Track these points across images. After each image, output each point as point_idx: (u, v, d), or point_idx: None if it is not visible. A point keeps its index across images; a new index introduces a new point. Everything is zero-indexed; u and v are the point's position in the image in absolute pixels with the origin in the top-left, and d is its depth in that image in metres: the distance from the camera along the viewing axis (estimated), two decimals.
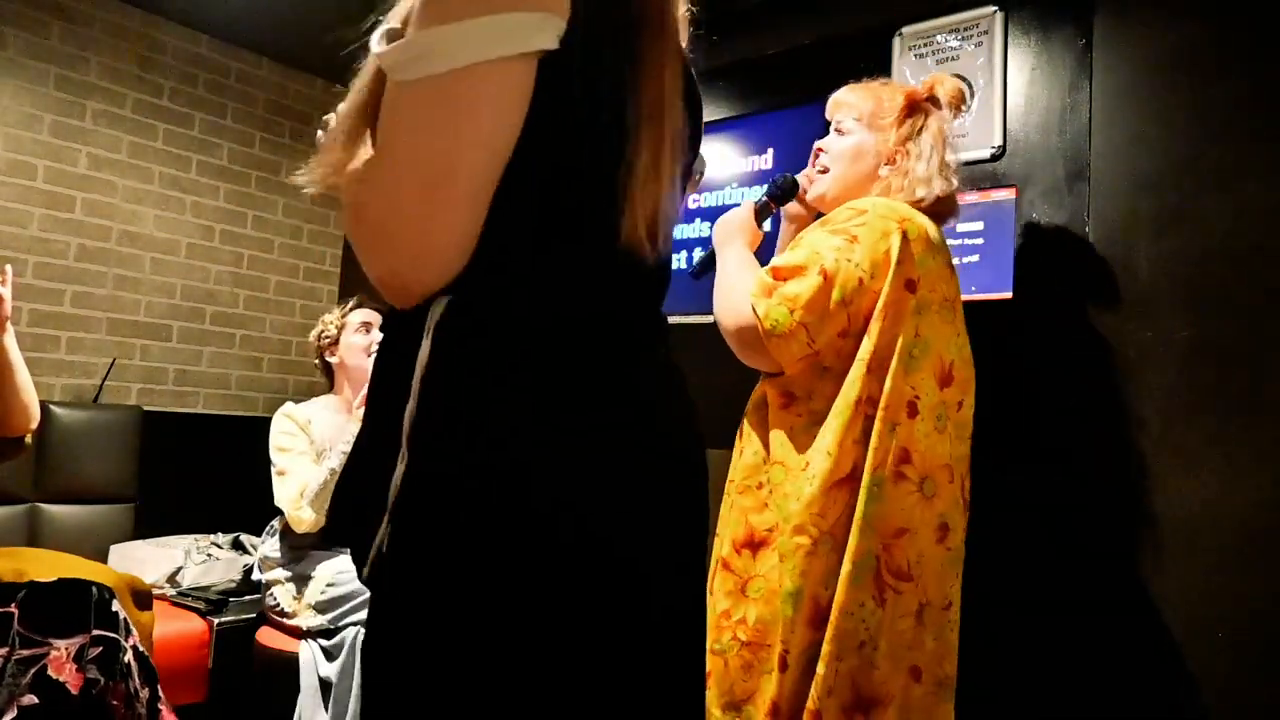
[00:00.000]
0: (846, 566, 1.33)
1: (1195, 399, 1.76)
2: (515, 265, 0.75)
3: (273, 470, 2.33)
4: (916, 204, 1.53)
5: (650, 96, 0.76)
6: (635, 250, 0.77)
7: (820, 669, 1.31)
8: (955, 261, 2.09)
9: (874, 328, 1.38)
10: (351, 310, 2.55)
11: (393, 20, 0.75)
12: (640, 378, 0.80)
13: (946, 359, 1.45)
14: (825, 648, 1.31)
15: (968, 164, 2.13)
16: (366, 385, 2.28)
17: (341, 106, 0.79)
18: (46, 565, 1.69)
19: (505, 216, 0.73)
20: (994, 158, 2.09)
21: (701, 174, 1.05)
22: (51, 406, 2.60)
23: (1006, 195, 2.05)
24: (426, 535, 0.71)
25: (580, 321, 0.76)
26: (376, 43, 0.73)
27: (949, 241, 2.09)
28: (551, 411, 0.72)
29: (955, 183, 1.57)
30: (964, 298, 2.05)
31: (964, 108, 1.67)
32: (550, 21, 0.70)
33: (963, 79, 2.16)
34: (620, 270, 0.79)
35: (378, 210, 0.71)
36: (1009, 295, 2.01)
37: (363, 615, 2.13)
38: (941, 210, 1.58)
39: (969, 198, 2.10)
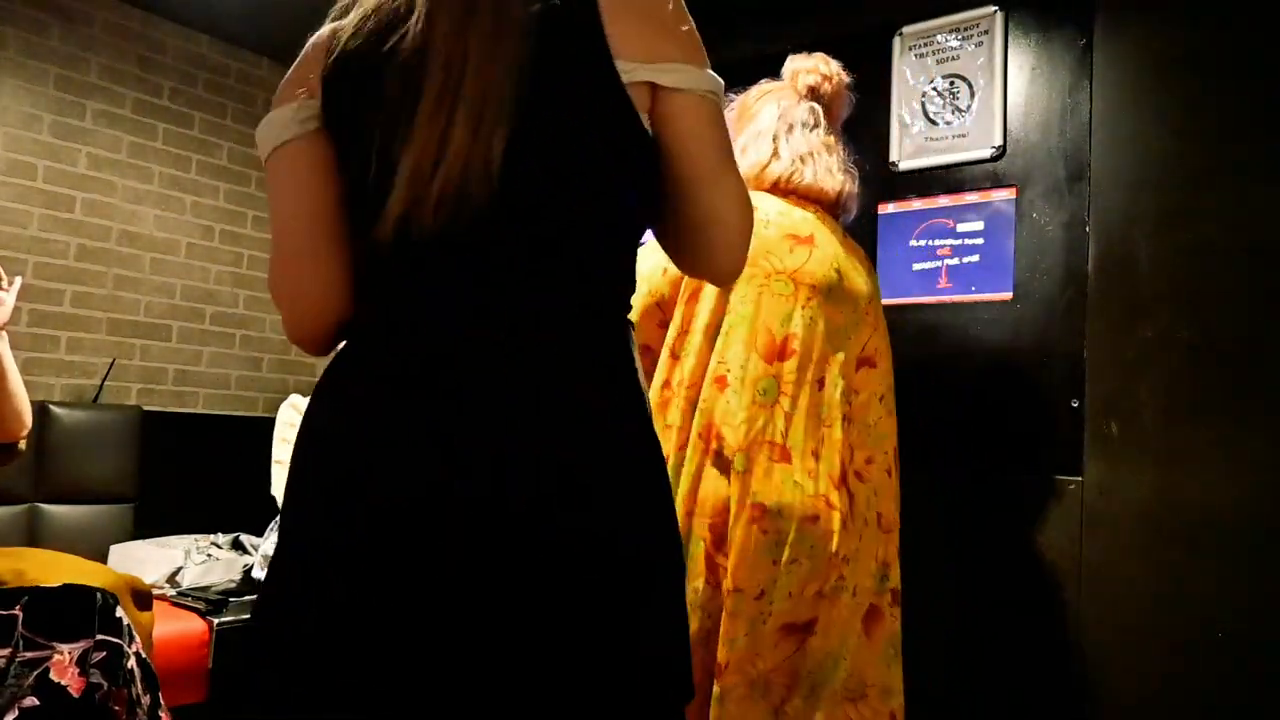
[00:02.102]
0: None
1: (1195, 399, 1.76)
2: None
3: (272, 459, 2.34)
4: (768, 184, 1.50)
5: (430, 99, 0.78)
6: (402, 232, 0.78)
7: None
8: (955, 262, 2.11)
9: (676, 312, 1.41)
10: None
11: None
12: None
13: (777, 333, 1.40)
14: None
15: (968, 164, 2.13)
16: None
17: None
18: (45, 565, 1.69)
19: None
20: (994, 158, 2.09)
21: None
22: (51, 406, 2.60)
23: (1006, 195, 2.05)
24: None
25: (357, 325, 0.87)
26: None
27: (949, 241, 2.11)
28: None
29: (795, 162, 1.51)
30: (964, 298, 2.06)
31: (829, 82, 1.61)
32: (303, 107, 0.86)
33: (963, 79, 2.16)
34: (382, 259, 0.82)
35: (272, 267, 0.92)
36: (1009, 295, 2.01)
37: None
38: (817, 197, 1.53)
39: (969, 198, 2.10)
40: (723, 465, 1.34)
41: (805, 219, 1.49)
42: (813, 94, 1.59)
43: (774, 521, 1.33)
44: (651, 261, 1.40)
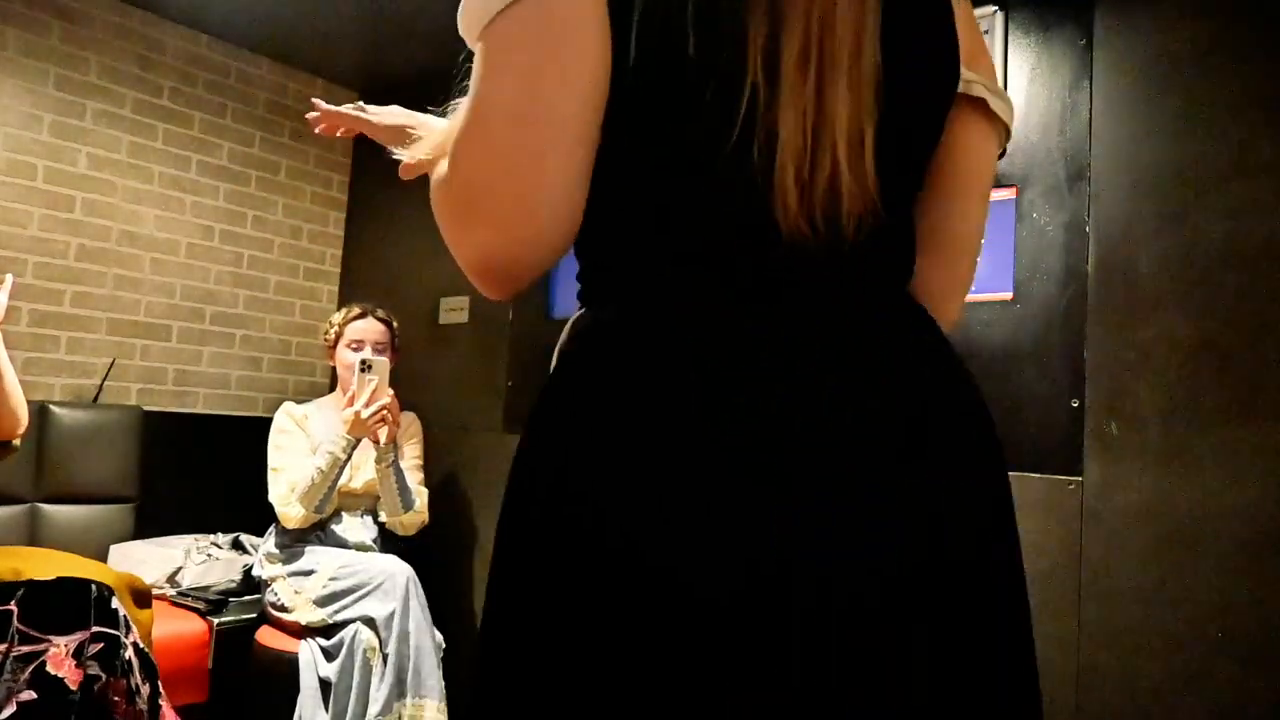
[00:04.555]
0: None
1: (1195, 399, 1.76)
2: (647, 268, 0.67)
3: (268, 466, 2.36)
4: None
5: (795, 38, 0.62)
6: (795, 241, 0.63)
7: None
8: None
9: None
10: (352, 320, 2.55)
11: None
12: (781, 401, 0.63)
13: None
14: None
15: None
16: (350, 390, 2.36)
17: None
18: (44, 564, 1.69)
19: (621, 198, 0.67)
20: None
21: (1006, 136, 0.82)
22: (51, 406, 2.60)
23: (1006, 195, 2.05)
24: (513, 567, 0.66)
25: (723, 338, 0.63)
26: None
27: None
28: (673, 460, 0.61)
29: None
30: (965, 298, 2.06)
31: None
32: None
33: None
34: (772, 266, 0.65)
35: (467, 167, 0.65)
36: (1009, 295, 2.01)
37: (361, 611, 2.14)
38: None
39: None
40: None
41: None
42: None
43: None
44: None
